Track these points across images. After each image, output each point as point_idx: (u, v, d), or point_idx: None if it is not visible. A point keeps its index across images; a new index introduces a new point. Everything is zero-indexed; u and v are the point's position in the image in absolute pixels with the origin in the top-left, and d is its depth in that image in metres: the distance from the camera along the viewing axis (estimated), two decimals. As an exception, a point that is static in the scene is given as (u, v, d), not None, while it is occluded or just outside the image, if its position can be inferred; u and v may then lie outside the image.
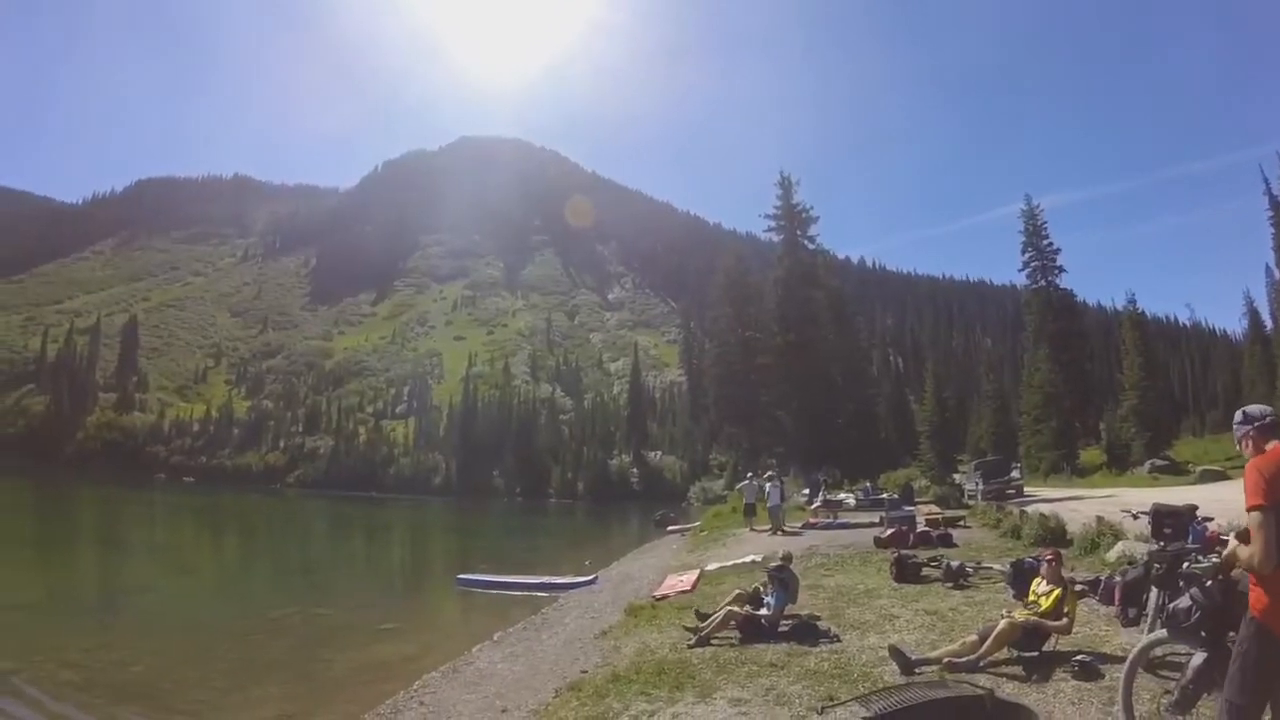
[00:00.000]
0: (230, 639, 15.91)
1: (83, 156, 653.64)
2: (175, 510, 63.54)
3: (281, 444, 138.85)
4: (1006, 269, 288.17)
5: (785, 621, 10.61)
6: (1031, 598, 8.74)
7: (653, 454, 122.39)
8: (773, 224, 60.77)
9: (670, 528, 41.50)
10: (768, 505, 27.33)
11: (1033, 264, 59.54)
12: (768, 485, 27.96)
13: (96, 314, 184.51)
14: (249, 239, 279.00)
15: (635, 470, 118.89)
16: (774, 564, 11.38)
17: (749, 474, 30.74)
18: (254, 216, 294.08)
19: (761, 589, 11.28)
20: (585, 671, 9.98)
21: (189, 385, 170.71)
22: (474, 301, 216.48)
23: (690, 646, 10.32)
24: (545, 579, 22.86)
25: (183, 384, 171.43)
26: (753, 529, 26.66)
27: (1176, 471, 47.41)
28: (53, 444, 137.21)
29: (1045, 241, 59.25)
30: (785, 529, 25.76)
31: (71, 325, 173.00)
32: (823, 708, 7.15)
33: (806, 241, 60.46)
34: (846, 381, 61.17)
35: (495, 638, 14.44)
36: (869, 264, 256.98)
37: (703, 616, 11.28)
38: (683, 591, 15.91)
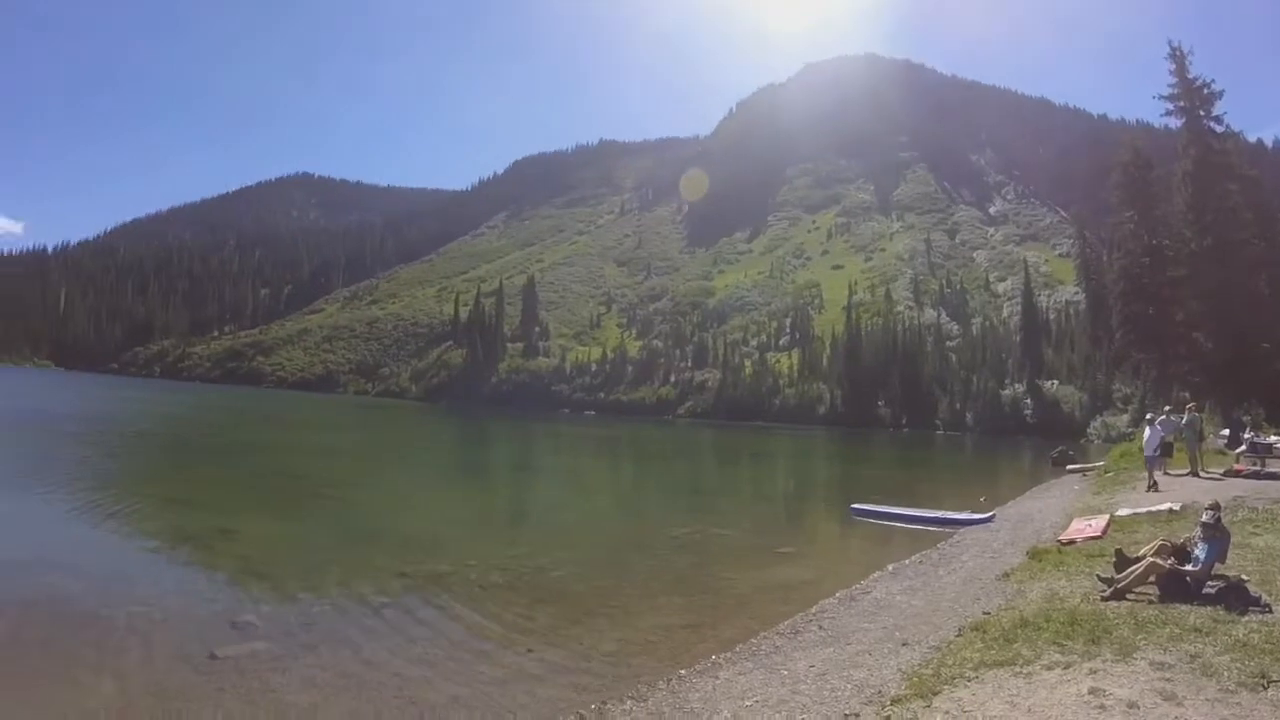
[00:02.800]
0: (638, 552, 16.80)
1: (466, 150, 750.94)
2: (579, 439, 68.48)
3: (672, 378, 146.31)
4: None
5: (1212, 582, 9.48)
6: None
7: (1048, 383, 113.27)
8: (1170, 106, 51.30)
9: (1069, 466, 39.95)
10: (1185, 445, 24.22)
11: None
12: (1182, 421, 24.71)
13: (498, 279, 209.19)
14: (623, 195, 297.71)
15: (1029, 401, 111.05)
16: (1207, 515, 10.04)
17: (1148, 415, 26.15)
18: (623, 174, 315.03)
19: (1189, 542, 10.13)
20: (988, 613, 9.85)
21: (585, 331, 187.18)
22: (848, 228, 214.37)
23: (1104, 599, 9.68)
24: (940, 513, 22.76)
25: (579, 330, 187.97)
26: (1165, 473, 22.75)
27: None
28: (472, 388, 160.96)
29: None
30: (1203, 473, 23.31)
31: (478, 290, 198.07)
32: (1257, 686, 6.53)
33: (1213, 124, 49.86)
34: (1275, 294, 50.95)
35: (890, 569, 14.40)
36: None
37: (1122, 563, 10.36)
38: (1092, 538, 14.99)
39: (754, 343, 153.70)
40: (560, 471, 41.09)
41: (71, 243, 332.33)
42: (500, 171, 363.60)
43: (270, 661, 8.72)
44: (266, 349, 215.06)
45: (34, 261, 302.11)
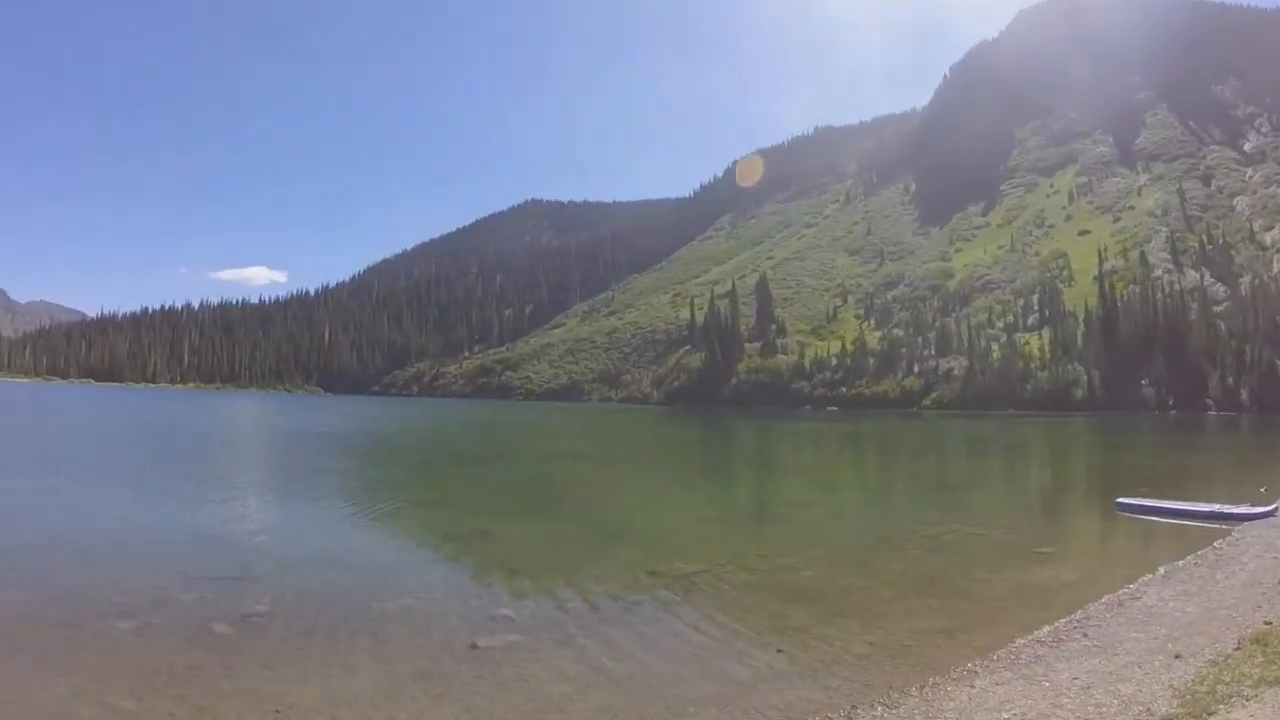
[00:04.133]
0: (887, 551, 16.91)
1: (685, 158, 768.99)
2: (821, 436, 67.46)
3: (915, 368, 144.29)
4: None
5: None
6: None
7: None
8: None
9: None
10: None
11: None
12: None
13: (730, 279, 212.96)
14: (846, 181, 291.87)
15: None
16: None
17: None
18: (844, 160, 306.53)
19: None
20: (1270, 623, 9.30)
21: (822, 325, 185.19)
22: (1090, 188, 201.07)
23: None
24: (1217, 507, 21.22)
25: (816, 325, 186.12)
26: None
27: None
28: (711, 389, 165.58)
29: None
30: None
31: (711, 293, 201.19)
32: None
33: None
34: None
35: (1162, 571, 13.78)
36: None
37: None
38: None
39: (1000, 324, 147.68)
40: (804, 469, 40.87)
41: (330, 284, 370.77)
42: (720, 174, 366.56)
43: (527, 653, 9.33)
44: (513, 364, 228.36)
45: (300, 304, 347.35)
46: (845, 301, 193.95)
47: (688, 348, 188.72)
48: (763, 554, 15.63)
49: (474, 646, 9.49)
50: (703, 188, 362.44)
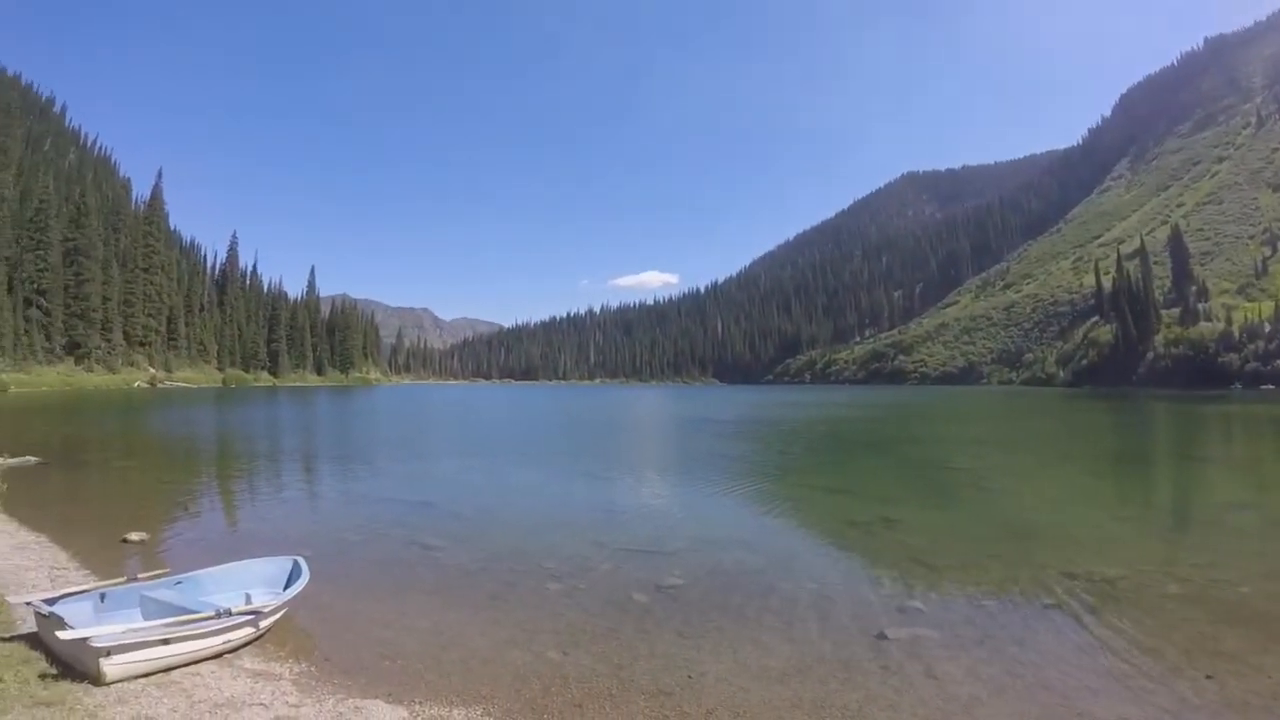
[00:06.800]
0: None
1: (1061, 105, 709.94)
2: (1256, 422, 59.02)
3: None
4: None
5: None
6: None
7: None
8: None
9: None
10: None
11: None
12: None
13: (1137, 235, 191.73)
14: (1254, 99, 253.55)
15: None
16: None
17: None
18: (1247, 72, 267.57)
19: None
20: None
21: (1250, 283, 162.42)
22: None
23: None
24: None
25: (1243, 283, 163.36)
26: None
27: None
28: (1124, 367, 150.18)
29: None
30: None
31: (1117, 254, 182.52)
32: None
33: None
34: None
35: None
36: None
37: None
38: None
39: None
40: (1235, 463, 35.95)
41: (719, 281, 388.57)
42: (1107, 114, 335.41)
43: (936, 649, 9.03)
44: (906, 348, 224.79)
45: (692, 302, 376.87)
46: (1275, 251, 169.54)
47: (1095, 319, 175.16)
48: (1194, 563, 13.88)
49: (882, 636, 9.38)
50: (1090, 133, 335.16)
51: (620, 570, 12.47)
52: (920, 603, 10.64)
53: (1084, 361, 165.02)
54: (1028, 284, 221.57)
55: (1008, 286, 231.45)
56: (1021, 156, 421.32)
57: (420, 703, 7.24)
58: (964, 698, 7.73)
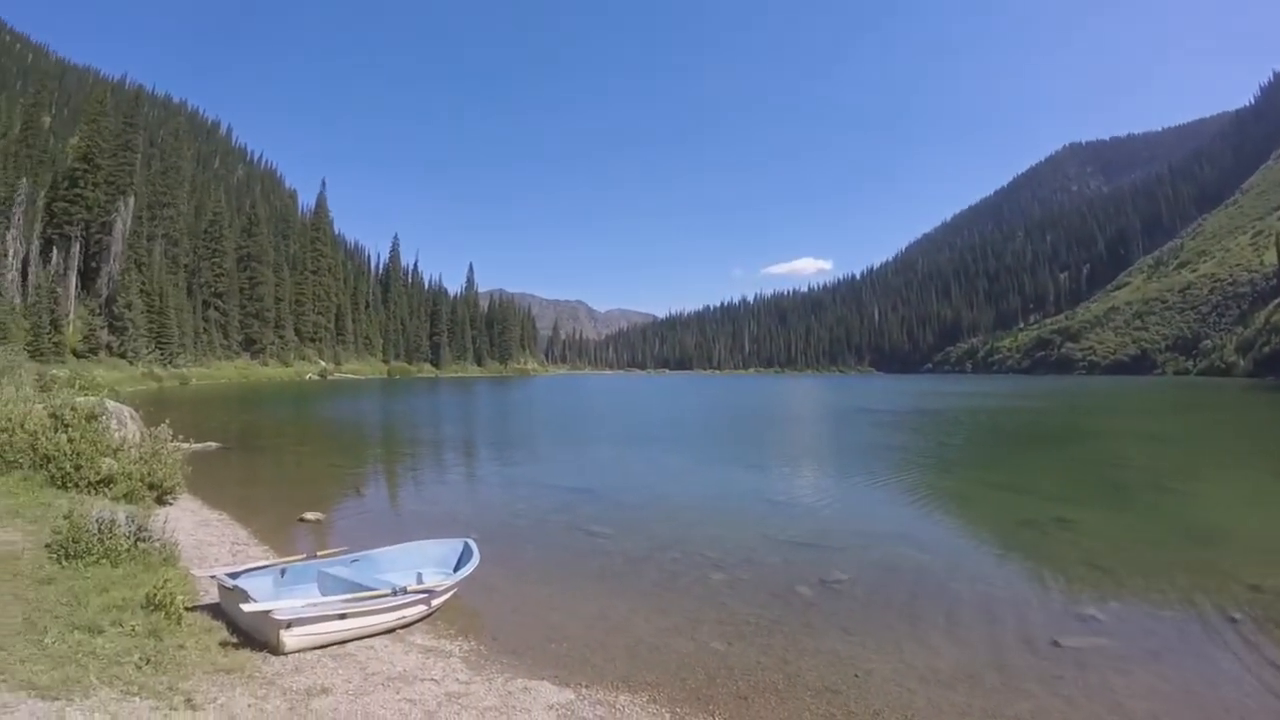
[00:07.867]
0: None
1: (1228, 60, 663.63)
2: None
3: None
4: None
5: None
6: None
7: None
8: None
9: None
10: None
11: None
12: None
13: None
14: None
15: None
16: None
17: None
18: None
19: None
20: None
21: None
22: None
23: None
24: None
25: None
26: None
27: None
28: None
29: None
30: None
31: None
32: None
33: None
34: None
35: None
36: None
37: None
38: None
39: None
40: None
41: (875, 266, 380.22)
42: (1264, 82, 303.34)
43: (1113, 660, 8.63)
44: (1074, 334, 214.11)
45: (848, 288, 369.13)
46: None
47: (1277, 301, 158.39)
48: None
49: (1056, 644, 8.99)
50: (1263, 90, 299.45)
51: (784, 563, 12.38)
52: (1095, 610, 10.17)
53: (1265, 349, 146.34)
54: (1204, 262, 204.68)
55: (1182, 265, 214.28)
56: (1190, 120, 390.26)
57: (586, 686, 7.39)
58: (1141, 715, 7.34)
